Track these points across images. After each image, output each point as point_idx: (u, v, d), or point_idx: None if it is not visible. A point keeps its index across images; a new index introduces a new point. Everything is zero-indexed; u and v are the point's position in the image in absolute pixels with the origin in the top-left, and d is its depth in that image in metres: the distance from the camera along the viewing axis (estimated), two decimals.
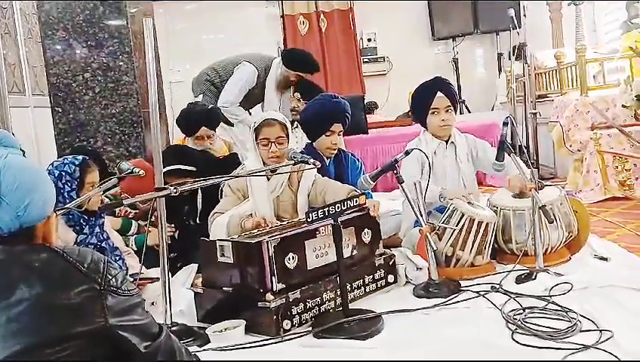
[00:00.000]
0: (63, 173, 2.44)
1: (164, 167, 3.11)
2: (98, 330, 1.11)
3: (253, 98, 4.52)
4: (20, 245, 1.17)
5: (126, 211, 3.20)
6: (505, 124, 2.61)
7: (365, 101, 6.89)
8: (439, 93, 3.01)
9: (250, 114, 4.58)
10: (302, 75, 4.41)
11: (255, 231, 2.50)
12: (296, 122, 4.73)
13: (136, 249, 2.95)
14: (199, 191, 3.24)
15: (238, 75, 4.42)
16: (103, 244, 2.51)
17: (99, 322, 1.12)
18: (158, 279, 2.40)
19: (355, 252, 2.47)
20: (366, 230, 2.52)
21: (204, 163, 3.30)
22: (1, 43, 2.59)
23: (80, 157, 2.55)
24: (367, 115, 5.87)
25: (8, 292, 1.10)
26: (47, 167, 2.54)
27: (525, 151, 4.84)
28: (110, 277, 1.17)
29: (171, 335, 1.26)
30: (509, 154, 2.60)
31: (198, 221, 3.25)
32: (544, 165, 5.60)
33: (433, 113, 3.01)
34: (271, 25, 7.60)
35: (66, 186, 2.44)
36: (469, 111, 7.18)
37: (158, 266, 2.25)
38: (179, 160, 3.19)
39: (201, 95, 4.53)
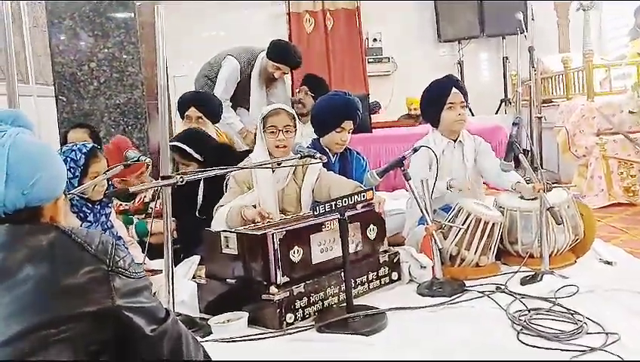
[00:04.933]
0: (68, 159, 2.42)
1: (174, 142, 3.14)
2: (105, 311, 1.09)
3: (243, 92, 4.44)
4: (27, 223, 1.15)
5: (117, 204, 3.15)
6: (514, 124, 2.60)
7: (370, 102, 6.89)
8: (454, 89, 3.02)
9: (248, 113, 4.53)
10: (280, 67, 4.30)
11: (260, 223, 2.47)
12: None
13: (137, 239, 2.93)
14: (201, 184, 3.22)
15: (223, 70, 4.38)
16: (107, 233, 2.49)
17: (106, 302, 1.10)
18: (160, 271, 2.38)
19: (360, 248, 2.45)
20: (372, 226, 2.51)
21: (217, 153, 3.25)
22: (10, 31, 2.55)
23: (90, 145, 2.54)
24: (371, 115, 5.85)
25: (14, 271, 1.08)
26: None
27: (530, 154, 4.82)
28: (118, 259, 1.15)
29: (178, 320, 1.24)
30: (518, 155, 2.58)
31: (198, 215, 3.22)
32: (548, 170, 5.58)
33: (449, 108, 3.01)
34: (277, 22, 7.57)
35: (69, 173, 2.41)
36: (473, 115, 7.16)
37: (161, 258, 2.23)
38: (190, 142, 3.16)
39: (200, 90, 4.51)
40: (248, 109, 4.50)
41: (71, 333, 1.06)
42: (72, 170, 2.44)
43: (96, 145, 2.63)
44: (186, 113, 3.85)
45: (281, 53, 4.31)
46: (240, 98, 4.47)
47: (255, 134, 3.06)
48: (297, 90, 4.55)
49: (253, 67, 4.38)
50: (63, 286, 1.08)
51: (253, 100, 4.41)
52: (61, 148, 2.53)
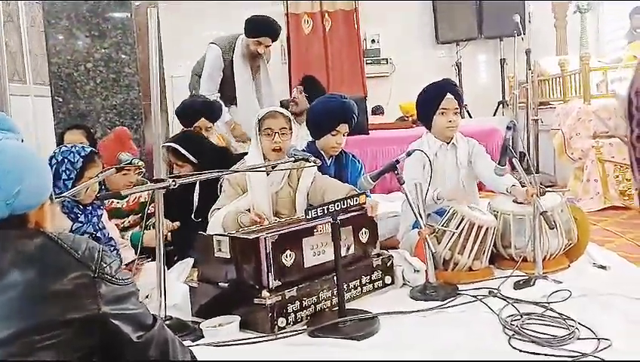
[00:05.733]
0: (65, 160, 2.41)
1: (169, 142, 3.14)
2: (90, 317, 1.09)
3: (229, 82, 4.38)
4: (14, 229, 1.14)
5: (110, 202, 3.14)
6: (508, 128, 2.59)
7: (373, 105, 6.90)
8: (448, 95, 3.01)
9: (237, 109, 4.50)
10: (261, 41, 4.27)
11: (253, 226, 2.47)
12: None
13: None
14: (197, 187, 3.22)
15: (207, 60, 4.37)
16: (98, 234, 2.48)
17: (92, 309, 1.09)
18: (148, 258, 2.37)
19: (352, 251, 2.45)
20: (364, 230, 2.50)
21: (213, 156, 3.24)
22: (2, 30, 2.55)
23: (89, 149, 2.52)
24: (368, 117, 5.85)
25: (2, 275, 1.08)
26: (54, 150, 2.52)
27: (526, 157, 4.82)
28: (104, 265, 1.14)
29: (165, 326, 1.24)
30: (511, 159, 2.58)
31: (193, 218, 3.22)
32: (544, 173, 5.58)
33: (441, 113, 3.00)
34: None
35: (64, 174, 2.41)
36: (471, 116, 7.17)
37: (154, 260, 2.23)
38: (186, 143, 3.17)
39: (193, 90, 4.49)
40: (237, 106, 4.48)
41: (57, 339, 1.06)
42: (68, 172, 2.43)
43: (94, 149, 2.62)
44: (196, 125, 3.82)
45: (257, 26, 4.30)
46: (228, 95, 4.42)
47: (244, 129, 3.05)
48: (294, 88, 4.55)
49: (234, 52, 4.34)
50: (49, 292, 1.08)
51: (240, 79, 4.35)
52: (60, 148, 2.51)
